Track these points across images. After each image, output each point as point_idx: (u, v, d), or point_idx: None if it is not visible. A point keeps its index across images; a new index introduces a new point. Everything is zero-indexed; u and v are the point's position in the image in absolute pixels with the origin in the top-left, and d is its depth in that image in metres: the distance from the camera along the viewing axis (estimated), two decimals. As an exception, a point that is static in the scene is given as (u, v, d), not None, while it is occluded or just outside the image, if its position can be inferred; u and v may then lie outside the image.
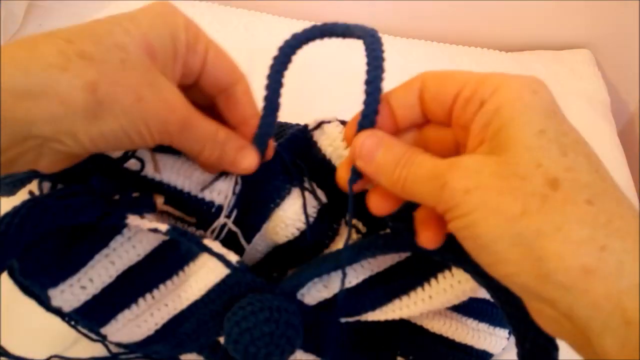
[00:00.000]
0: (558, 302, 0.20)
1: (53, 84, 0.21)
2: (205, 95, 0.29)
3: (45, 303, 0.31)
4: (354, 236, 0.33)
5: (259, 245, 0.35)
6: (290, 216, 0.32)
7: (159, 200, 0.30)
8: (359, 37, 0.26)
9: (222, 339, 0.33)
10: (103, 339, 0.34)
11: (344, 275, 0.29)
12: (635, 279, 0.18)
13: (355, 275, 0.33)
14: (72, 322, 0.33)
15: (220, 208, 0.31)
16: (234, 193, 0.31)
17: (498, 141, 0.22)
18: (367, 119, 0.25)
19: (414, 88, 0.26)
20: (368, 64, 0.26)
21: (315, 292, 0.33)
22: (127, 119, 0.23)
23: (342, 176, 0.27)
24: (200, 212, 0.31)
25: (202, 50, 0.27)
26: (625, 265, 0.19)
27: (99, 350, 0.36)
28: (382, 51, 0.25)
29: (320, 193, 0.32)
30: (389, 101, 0.27)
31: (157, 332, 0.33)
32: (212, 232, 0.31)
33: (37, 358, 0.32)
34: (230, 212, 0.31)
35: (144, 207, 0.30)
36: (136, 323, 0.32)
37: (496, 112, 0.22)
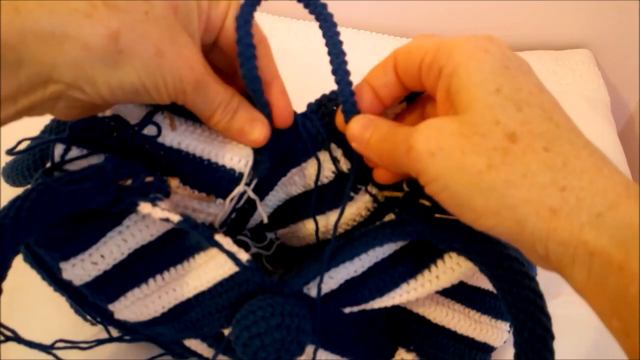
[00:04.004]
0: (536, 246, 0.21)
1: (76, 29, 0.22)
2: (226, 58, 0.29)
3: (54, 278, 0.31)
4: (370, 205, 0.33)
5: (270, 200, 0.35)
6: (307, 175, 0.33)
7: (174, 183, 0.30)
8: (314, 15, 0.27)
9: (226, 331, 0.33)
10: (108, 319, 0.33)
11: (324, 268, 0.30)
12: (593, 212, 0.20)
13: (361, 264, 0.32)
14: (78, 303, 0.33)
15: (240, 175, 0.30)
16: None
17: (458, 102, 0.23)
18: (348, 104, 0.28)
19: (389, 65, 0.28)
20: (329, 53, 0.27)
21: (322, 284, 0.32)
22: (146, 72, 0.24)
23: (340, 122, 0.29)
24: (220, 180, 0.31)
25: (225, 4, 0.27)
26: (583, 201, 0.20)
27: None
28: (338, 34, 0.27)
29: (343, 162, 0.32)
30: (369, 83, 0.28)
31: (163, 314, 0.32)
32: (231, 200, 0.31)
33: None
34: (251, 180, 0.31)
35: (157, 193, 0.29)
36: (144, 303, 0.32)
37: (453, 75, 0.23)
